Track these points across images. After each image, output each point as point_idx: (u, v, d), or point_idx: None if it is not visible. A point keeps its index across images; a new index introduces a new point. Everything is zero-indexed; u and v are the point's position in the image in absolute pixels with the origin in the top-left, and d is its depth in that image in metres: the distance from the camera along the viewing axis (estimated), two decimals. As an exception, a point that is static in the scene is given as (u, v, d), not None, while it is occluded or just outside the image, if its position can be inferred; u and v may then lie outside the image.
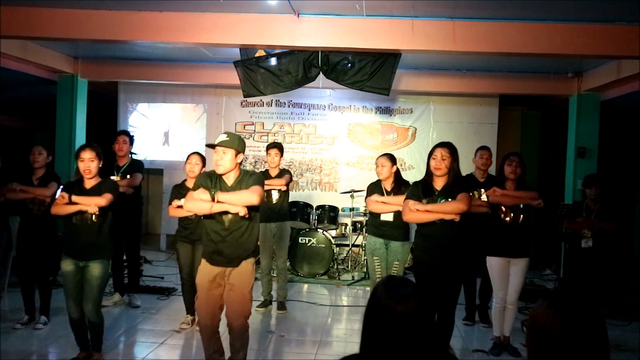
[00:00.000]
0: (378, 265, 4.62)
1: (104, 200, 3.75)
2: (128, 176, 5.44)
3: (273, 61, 5.88)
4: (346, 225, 7.90)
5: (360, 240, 7.73)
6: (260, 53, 5.88)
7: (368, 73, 5.74)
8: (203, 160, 4.97)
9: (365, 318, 1.53)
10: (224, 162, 3.38)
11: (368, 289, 6.81)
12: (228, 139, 3.40)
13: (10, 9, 5.05)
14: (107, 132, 9.06)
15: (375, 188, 4.76)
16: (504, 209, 4.39)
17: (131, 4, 5.02)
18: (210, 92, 8.76)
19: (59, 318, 4.85)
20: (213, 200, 3.32)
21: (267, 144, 5.80)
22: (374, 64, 5.70)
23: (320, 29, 5.14)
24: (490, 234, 4.46)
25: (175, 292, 6.19)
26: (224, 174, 3.43)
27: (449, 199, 3.81)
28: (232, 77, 6.20)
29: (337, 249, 7.62)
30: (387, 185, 4.70)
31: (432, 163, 3.89)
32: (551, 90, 7.47)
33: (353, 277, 7.20)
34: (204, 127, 8.91)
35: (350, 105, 8.68)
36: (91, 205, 3.72)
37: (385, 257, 4.63)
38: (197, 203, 3.37)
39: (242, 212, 3.31)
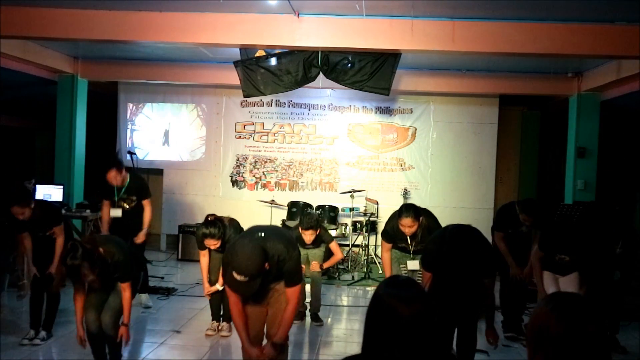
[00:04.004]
0: (405, 274, 4.54)
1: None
2: (132, 197, 5.44)
3: (273, 61, 5.88)
4: (346, 225, 7.91)
5: (360, 240, 7.73)
6: (260, 53, 5.88)
7: (368, 73, 5.74)
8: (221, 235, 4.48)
9: (367, 317, 1.51)
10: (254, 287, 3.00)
11: (368, 289, 6.81)
12: (248, 278, 2.89)
13: (10, 9, 5.05)
14: (107, 133, 9.11)
15: (396, 235, 4.44)
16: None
17: (131, 4, 5.02)
18: (210, 92, 8.76)
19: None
20: None
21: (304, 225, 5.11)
22: (374, 64, 5.70)
23: (320, 29, 5.13)
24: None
25: (176, 292, 6.18)
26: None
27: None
28: (232, 77, 6.20)
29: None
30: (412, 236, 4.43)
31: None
32: (551, 90, 7.47)
33: (353, 277, 7.19)
34: (204, 127, 8.92)
35: (350, 105, 8.68)
36: None
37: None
38: None
39: None
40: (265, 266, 2.96)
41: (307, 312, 5.35)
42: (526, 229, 4.83)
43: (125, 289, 3.61)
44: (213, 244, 4.45)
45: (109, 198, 5.46)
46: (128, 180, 5.47)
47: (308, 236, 5.05)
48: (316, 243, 5.20)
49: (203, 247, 4.63)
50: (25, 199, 4.40)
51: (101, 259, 3.44)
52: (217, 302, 4.90)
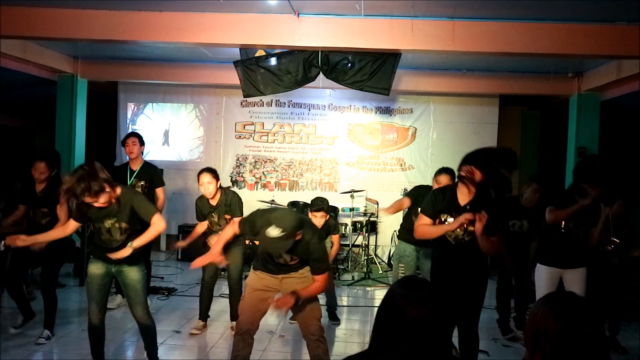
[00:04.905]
0: (402, 272, 4.57)
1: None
2: (142, 182, 5.40)
3: (273, 61, 5.88)
4: (346, 225, 7.91)
5: (360, 240, 7.73)
6: (260, 53, 5.88)
7: (368, 73, 5.74)
8: (215, 175, 4.79)
9: (377, 314, 1.52)
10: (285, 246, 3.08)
11: (368, 289, 6.81)
12: (285, 233, 2.98)
13: (10, 9, 5.05)
14: (107, 133, 9.11)
15: (418, 200, 4.50)
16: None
17: (131, 4, 5.02)
18: (210, 92, 8.76)
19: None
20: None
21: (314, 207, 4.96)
22: (374, 64, 5.70)
23: (320, 29, 5.13)
24: (540, 239, 4.15)
25: (175, 292, 6.18)
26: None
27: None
28: (232, 77, 6.20)
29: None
30: None
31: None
32: (551, 90, 7.47)
33: (353, 277, 7.19)
34: (204, 127, 8.91)
35: (350, 105, 8.68)
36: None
37: (413, 264, 4.56)
38: None
39: None
40: (299, 232, 3.06)
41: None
42: (527, 224, 4.78)
43: (155, 222, 3.44)
44: (208, 180, 4.67)
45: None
46: (142, 164, 5.48)
47: (318, 219, 4.85)
48: (323, 231, 4.97)
49: (202, 218, 4.82)
50: (54, 160, 4.33)
51: (110, 181, 3.32)
52: (206, 302, 4.91)
